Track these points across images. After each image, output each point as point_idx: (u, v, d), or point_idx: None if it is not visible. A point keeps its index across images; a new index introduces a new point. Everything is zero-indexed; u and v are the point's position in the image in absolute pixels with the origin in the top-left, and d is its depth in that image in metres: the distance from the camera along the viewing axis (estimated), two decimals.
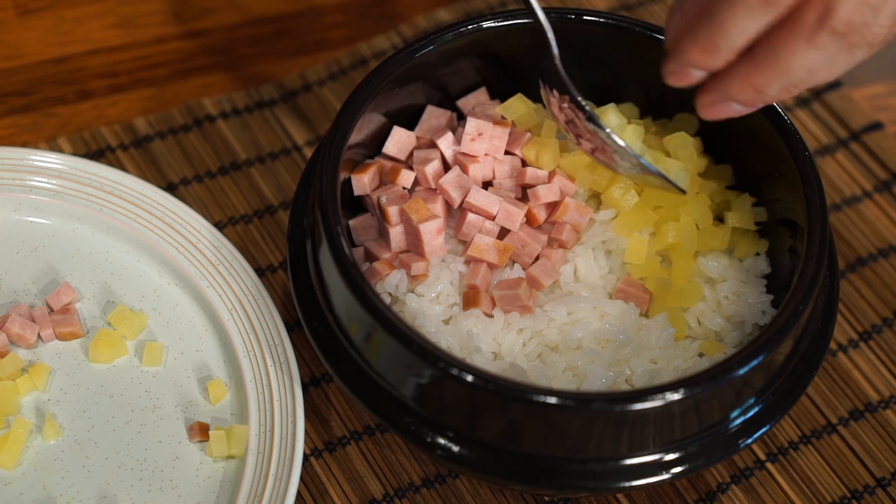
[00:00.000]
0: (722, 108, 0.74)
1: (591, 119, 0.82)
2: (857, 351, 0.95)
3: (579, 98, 0.82)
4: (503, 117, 0.88)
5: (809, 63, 0.69)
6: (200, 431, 0.86)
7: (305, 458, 0.88)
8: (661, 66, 0.75)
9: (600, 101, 0.92)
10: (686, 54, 0.71)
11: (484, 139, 0.87)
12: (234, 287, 0.91)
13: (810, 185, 0.81)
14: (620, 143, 0.82)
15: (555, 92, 0.83)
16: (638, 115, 0.91)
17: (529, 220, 0.87)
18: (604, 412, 0.75)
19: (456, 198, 0.86)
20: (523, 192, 0.88)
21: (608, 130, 0.81)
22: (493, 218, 0.86)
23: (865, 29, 0.68)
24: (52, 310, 0.90)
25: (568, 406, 0.74)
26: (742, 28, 0.69)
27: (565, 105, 0.83)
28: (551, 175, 0.87)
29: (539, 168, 0.87)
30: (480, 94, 0.92)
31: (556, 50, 0.82)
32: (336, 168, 0.81)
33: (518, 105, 0.88)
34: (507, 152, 0.89)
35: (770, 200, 0.87)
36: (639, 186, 0.86)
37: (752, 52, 0.70)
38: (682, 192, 0.84)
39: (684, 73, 0.73)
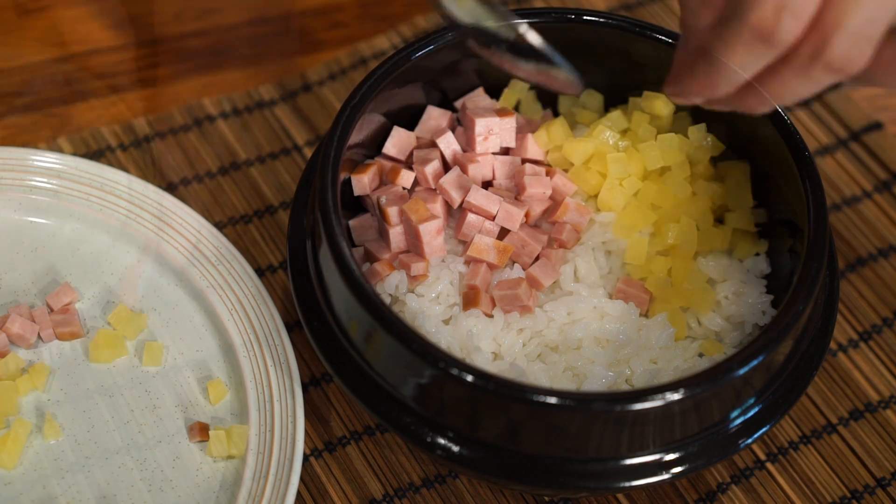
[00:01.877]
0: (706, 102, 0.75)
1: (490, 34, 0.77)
2: (857, 351, 0.95)
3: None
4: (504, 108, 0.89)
5: (801, 92, 0.71)
6: (200, 431, 0.86)
7: (305, 458, 0.88)
8: (664, 82, 0.76)
9: (603, 102, 0.92)
10: (686, 87, 0.73)
11: (494, 135, 0.87)
12: (234, 287, 0.91)
13: (810, 185, 0.81)
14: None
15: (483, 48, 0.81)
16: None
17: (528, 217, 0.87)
18: (604, 412, 0.74)
19: (456, 198, 0.86)
20: None
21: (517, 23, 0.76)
22: (493, 218, 0.85)
23: (862, 59, 0.68)
24: (52, 310, 0.90)
25: (568, 406, 0.74)
26: (740, 70, 0.70)
27: (484, 43, 0.80)
28: (552, 173, 0.87)
29: (549, 142, 0.88)
30: (478, 94, 0.92)
31: None
32: (336, 168, 0.81)
33: (514, 93, 0.90)
34: (507, 152, 0.89)
35: (770, 200, 0.87)
36: (628, 184, 0.86)
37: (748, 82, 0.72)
38: (577, 92, 0.78)
39: (683, 98, 0.75)
